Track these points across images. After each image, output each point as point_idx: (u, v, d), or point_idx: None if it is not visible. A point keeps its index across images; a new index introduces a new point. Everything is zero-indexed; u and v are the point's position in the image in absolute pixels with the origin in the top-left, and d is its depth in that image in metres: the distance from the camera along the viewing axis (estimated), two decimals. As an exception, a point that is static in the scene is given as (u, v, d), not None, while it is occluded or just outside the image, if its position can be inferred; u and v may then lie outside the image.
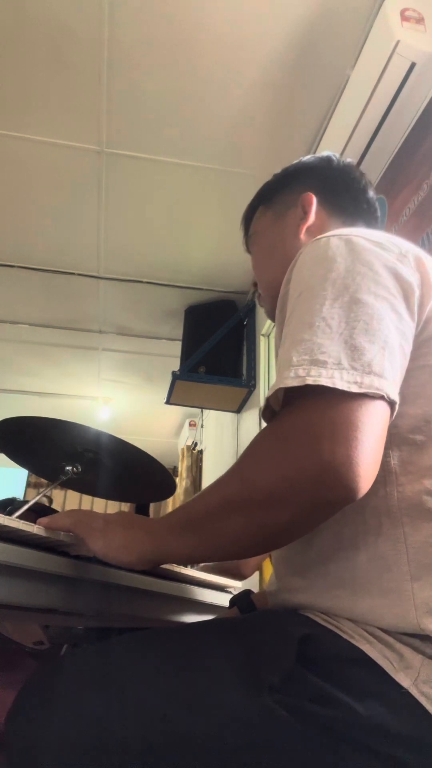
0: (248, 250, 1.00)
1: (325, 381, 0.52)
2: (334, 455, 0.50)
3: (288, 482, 0.52)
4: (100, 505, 6.01)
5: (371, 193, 0.92)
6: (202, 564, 2.12)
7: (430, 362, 0.62)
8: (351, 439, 0.50)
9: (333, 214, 0.88)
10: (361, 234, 0.66)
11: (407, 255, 0.64)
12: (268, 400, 0.57)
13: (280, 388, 0.55)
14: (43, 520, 0.68)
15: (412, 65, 1.60)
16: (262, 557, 1.96)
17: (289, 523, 0.54)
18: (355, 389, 0.52)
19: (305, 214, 0.87)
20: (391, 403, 0.54)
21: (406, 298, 0.61)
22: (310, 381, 0.52)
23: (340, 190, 0.90)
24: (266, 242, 0.93)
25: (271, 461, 0.54)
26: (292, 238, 0.87)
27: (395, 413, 0.56)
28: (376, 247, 0.63)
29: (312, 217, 0.87)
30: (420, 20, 1.59)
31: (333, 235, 0.66)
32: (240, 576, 1.89)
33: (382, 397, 0.53)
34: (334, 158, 0.94)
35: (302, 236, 0.86)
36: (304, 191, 0.88)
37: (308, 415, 0.53)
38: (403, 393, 0.59)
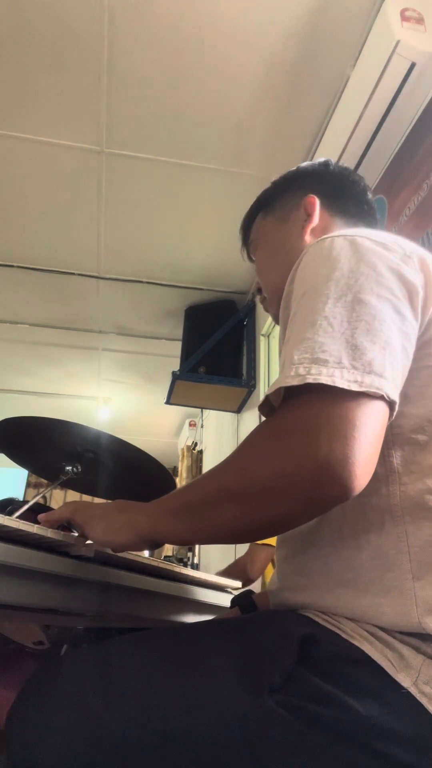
0: (249, 257, 1.00)
1: (325, 379, 0.52)
2: (331, 453, 0.50)
3: (284, 477, 0.52)
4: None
5: (370, 196, 0.94)
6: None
7: None
8: (348, 437, 0.50)
9: (336, 216, 0.89)
10: (365, 235, 0.66)
11: (411, 256, 0.64)
12: (267, 396, 0.57)
13: (281, 387, 0.55)
14: (42, 516, 0.69)
15: (412, 65, 1.60)
16: (267, 561, 1.96)
17: (283, 515, 0.55)
18: (355, 388, 0.52)
19: (309, 215, 0.88)
20: (391, 403, 0.54)
21: (410, 299, 0.61)
22: (310, 380, 0.52)
23: (340, 192, 0.91)
24: (270, 246, 0.93)
25: (269, 455, 0.54)
26: (296, 239, 0.87)
27: (397, 413, 0.56)
28: (380, 248, 0.63)
29: (316, 219, 0.87)
30: (420, 20, 1.59)
31: (338, 236, 0.66)
32: (247, 580, 1.89)
33: (381, 397, 0.53)
34: (331, 163, 0.95)
35: (307, 237, 0.87)
36: (305, 194, 0.89)
37: (307, 412, 0.53)
38: (406, 393, 0.59)
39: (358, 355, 0.54)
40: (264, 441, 0.57)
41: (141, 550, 0.68)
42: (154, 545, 0.67)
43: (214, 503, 0.57)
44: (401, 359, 0.57)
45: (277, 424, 0.56)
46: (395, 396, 0.54)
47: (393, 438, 0.60)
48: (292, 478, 0.52)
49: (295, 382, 0.53)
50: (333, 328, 0.56)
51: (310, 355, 0.54)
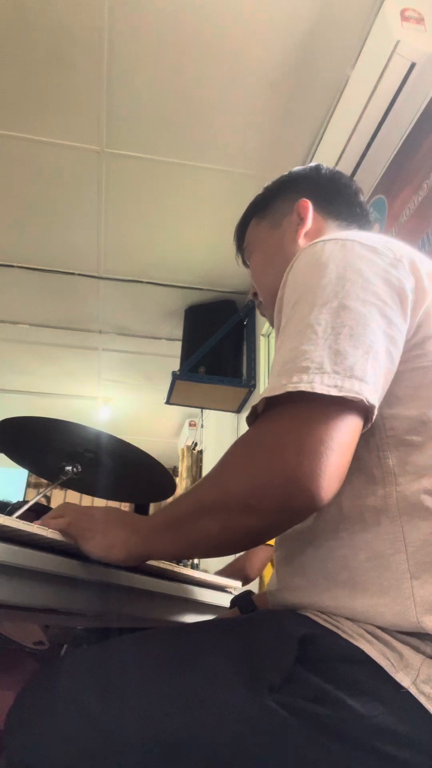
0: (244, 262, 1.01)
1: (304, 386, 0.53)
2: (298, 467, 0.52)
3: (257, 491, 0.54)
4: (99, 506, 6.01)
5: (362, 198, 0.94)
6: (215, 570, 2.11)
7: (423, 364, 0.63)
8: (314, 452, 0.52)
9: (329, 219, 0.90)
10: (357, 238, 0.66)
11: (401, 259, 0.65)
12: (254, 407, 0.59)
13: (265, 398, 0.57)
14: (37, 523, 0.70)
15: (412, 65, 1.60)
16: (266, 560, 1.97)
17: (259, 527, 0.57)
18: (334, 392, 0.53)
19: (302, 219, 0.88)
20: (371, 407, 0.55)
21: (400, 303, 0.61)
22: (290, 388, 0.54)
23: (332, 195, 0.92)
24: (264, 251, 0.94)
25: (242, 469, 0.57)
26: (290, 243, 0.88)
27: (390, 415, 0.57)
28: (369, 253, 0.64)
29: (309, 222, 0.88)
30: (420, 20, 1.59)
31: (329, 240, 0.66)
32: (246, 579, 1.89)
33: (361, 401, 0.54)
34: (322, 167, 0.96)
35: (300, 241, 0.87)
36: (297, 198, 0.90)
37: (280, 425, 0.56)
38: (397, 395, 0.60)
39: (339, 359, 0.55)
40: (238, 456, 0.59)
41: (131, 565, 0.69)
42: (144, 561, 0.68)
43: (194, 518, 0.60)
44: (385, 364, 0.58)
45: (251, 438, 0.58)
46: (375, 401, 0.55)
47: (387, 440, 0.61)
48: (263, 492, 0.54)
49: (276, 392, 0.55)
50: (317, 335, 0.57)
51: (292, 364, 0.56)
